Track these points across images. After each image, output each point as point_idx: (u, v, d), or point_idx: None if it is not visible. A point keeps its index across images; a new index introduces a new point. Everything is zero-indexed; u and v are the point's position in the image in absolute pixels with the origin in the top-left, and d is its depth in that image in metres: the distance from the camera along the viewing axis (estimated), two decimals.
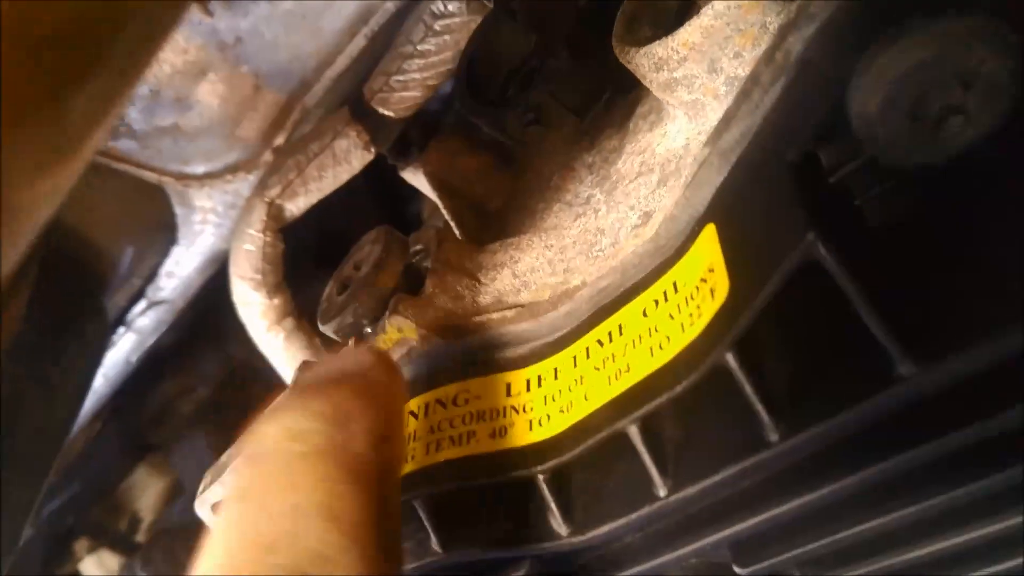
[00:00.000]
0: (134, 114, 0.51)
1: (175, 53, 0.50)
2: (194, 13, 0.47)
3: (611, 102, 0.40)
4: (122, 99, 0.24)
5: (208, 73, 0.50)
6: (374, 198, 0.68)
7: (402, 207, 0.70)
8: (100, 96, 0.22)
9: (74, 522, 0.87)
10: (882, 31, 0.24)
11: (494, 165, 0.49)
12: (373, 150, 0.48)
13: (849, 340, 0.24)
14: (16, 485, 0.56)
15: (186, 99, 0.51)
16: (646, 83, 0.36)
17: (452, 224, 0.47)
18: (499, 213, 0.49)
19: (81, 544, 0.87)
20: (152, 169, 0.54)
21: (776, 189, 0.26)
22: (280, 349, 0.56)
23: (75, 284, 0.55)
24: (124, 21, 0.21)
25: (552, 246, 0.40)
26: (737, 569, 0.32)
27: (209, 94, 0.51)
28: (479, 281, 0.40)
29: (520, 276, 0.40)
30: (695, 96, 0.35)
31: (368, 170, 0.50)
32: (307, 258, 0.67)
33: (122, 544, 0.87)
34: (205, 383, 0.83)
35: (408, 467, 0.34)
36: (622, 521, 0.29)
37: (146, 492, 0.90)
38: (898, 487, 0.28)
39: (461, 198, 0.48)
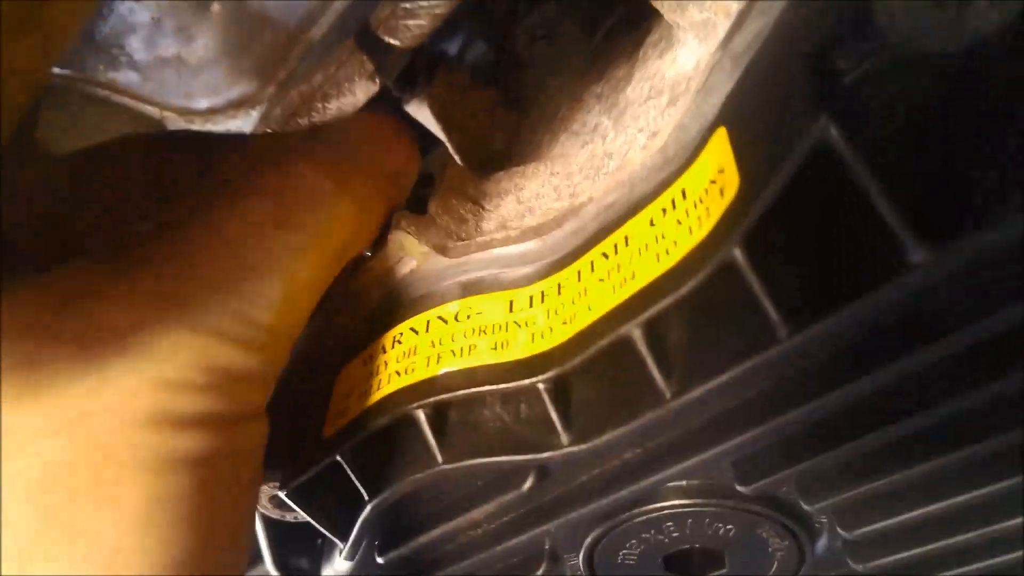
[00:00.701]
0: (135, 43, 0.51)
1: None
2: None
3: (621, 23, 0.39)
4: None
5: (212, 3, 0.49)
6: None
7: None
8: None
9: None
10: None
11: (501, 101, 0.48)
12: (378, 81, 0.47)
13: (861, 229, 0.24)
14: None
15: (189, 29, 0.50)
16: (656, 4, 0.35)
17: (457, 158, 0.46)
18: (504, 151, 0.48)
19: None
20: (154, 103, 0.53)
21: (789, 82, 0.26)
22: None
23: None
24: None
25: (558, 173, 0.40)
26: (739, 487, 0.31)
27: (213, 24, 0.50)
28: (483, 207, 0.40)
29: (525, 202, 0.39)
30: (706, 15, 0.34)
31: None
32: None
33: None
34: None
35: (407, 379, 0.33)
36: (623, 428, 0.28)
37: None
38: (906, 396, 0.27)
39: (467, 133, 0.47)
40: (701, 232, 0.28)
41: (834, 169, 0.23)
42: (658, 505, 0.33)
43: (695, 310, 0.28)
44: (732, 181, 0.27)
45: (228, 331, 0.28)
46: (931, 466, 0.29)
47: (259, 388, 0.31)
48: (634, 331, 0.28)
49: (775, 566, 0.37)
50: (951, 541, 0.32)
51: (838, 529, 0.34)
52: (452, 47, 0.47)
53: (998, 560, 0.33)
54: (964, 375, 0.26)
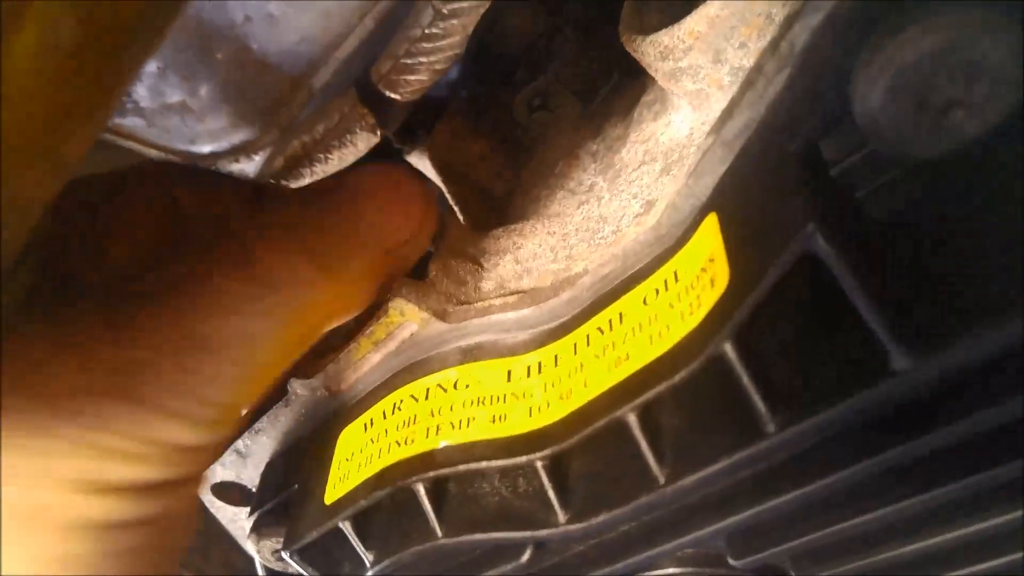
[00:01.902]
0: (141, 91, 0.51)
1: (187, 30, 0.49)
2: None
3: (617, 89, 0.39)
4: (134, 74, 0.23)
5: (217, 51, 0.50)
6: None
7: None
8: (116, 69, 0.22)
9: None
10: (887, 20, 0.24)
11: (499, 150, 0.48)
12: (379, 133, 0.48)
13: (846, 332, 0.24)
14: None
15: (193, 77, 0.51)
16: (651, 72, 0.36)
17: (455, 209, 0.47)
18: (503, 199, 0.48)
19: None
20: (158, 147, 0.54)
21: (778, 179, 0.26)
22: None
23: None
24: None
25: (555, 233, 0.40)
26: (732, 561, 0.32)
27: (217, 72, 0.51)
28: (481, 266, 0.40)
29: (522, 262, 0.40)
30: (699, 86, 0.35)
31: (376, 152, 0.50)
32: None
33: None
34: None
35: (407, 451, 0.34)
36: (619, 511, 0.29)
37: None
38: (895, 480, 0.28)
39: (465, 183, 0.48)
40: (692, 320, 0.28)
41: (821, 273, 0.24)
42: (653, 574, 0.33)
43: (688, 398, 0.28)
44: (722, 274, 0.27)
45: (177, 408, 0.28)
46: (922, 546, 0.29)
47: (203, 459, 0.31)
48: (629, 415, 0.29)
49: None
50: None
51: None
52: (452, 99, 0.48)
53: None
54: (948, 466, 0.26)
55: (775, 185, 0.26)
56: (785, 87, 0.27)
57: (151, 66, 0.51)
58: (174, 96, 0.53)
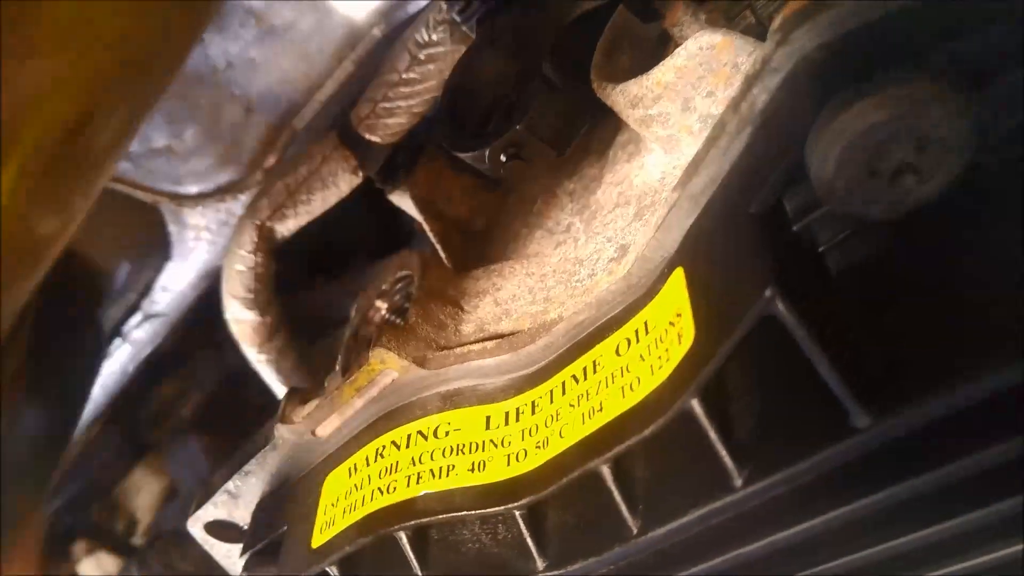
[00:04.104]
0: None
1: None
2: None
3: (592, 128, 0.40)
4: (139, 125, 0.24)
5: (199, 98, 0.51)
6: (368, 207, 0.69)
7: (397, 215, 0.71)
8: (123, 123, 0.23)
9: (73, 523, 0.89)
10: (841, 89, 0.24)
11: (479, 186, 0.49)
12: (361, 174, 0.49)
13: (808, 391, 0.25)
14: (15, 496, 0.57)
15: (179, 121, 0.52)
16: (623, 117, 0.37)
17: (437, 246, 0.48)
18: (483, 234, 0.49)
19: (80, 546, 0.89)
20: (146, 189, 0.55)
21: (739, 240, 0.27)
22: (272, 365, 0.57)
23: (72, 300, 0.56)
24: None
25: (533, 274, 0.41)
26: None
27: (200, 117, 0.52)
28: (462, 309, 0.41)
29: (502, 304, 0.40)
30: (670, 132, 0.36)
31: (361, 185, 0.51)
32: (300, 265, 0.68)
33: (120, 546, 0.89)
34: (200, 388, 0.84)
35: (389, 499, 0.35)
36: (594, 559, 0.30)
37: (142, 493, 0.91)
38: (863, 527, 0.29)
39: (446, 220, 0.49)
40: (662, 374, 0.29)
41: (782, 334, 0.24)
42: None
43: (659, 450, 0.29)
44: (688, 331, 0.28)
45: None
46: None
47: None
48: (602, 467, 0.29)
49: None
50: None
51: None
52: (432, 139, 0.49)
53: None
54: (918, 514, 0.27)
55: (737, 244, 0.27)
56: (747, 146, 0.28)
57: None
58: (160, 140, 0.54)
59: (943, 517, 0.26)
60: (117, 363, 0.68)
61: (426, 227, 0.48)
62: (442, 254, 0.47)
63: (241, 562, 0.44)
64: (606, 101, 0.37)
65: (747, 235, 0.27)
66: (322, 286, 0.72)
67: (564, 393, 0.33)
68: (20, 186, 0.19)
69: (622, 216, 0.38)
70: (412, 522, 0.33)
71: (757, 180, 0.28)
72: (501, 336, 0.38)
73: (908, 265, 0.26)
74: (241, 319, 0.55)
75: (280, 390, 0.59)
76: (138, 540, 0.91)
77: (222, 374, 0.82)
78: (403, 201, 0.49)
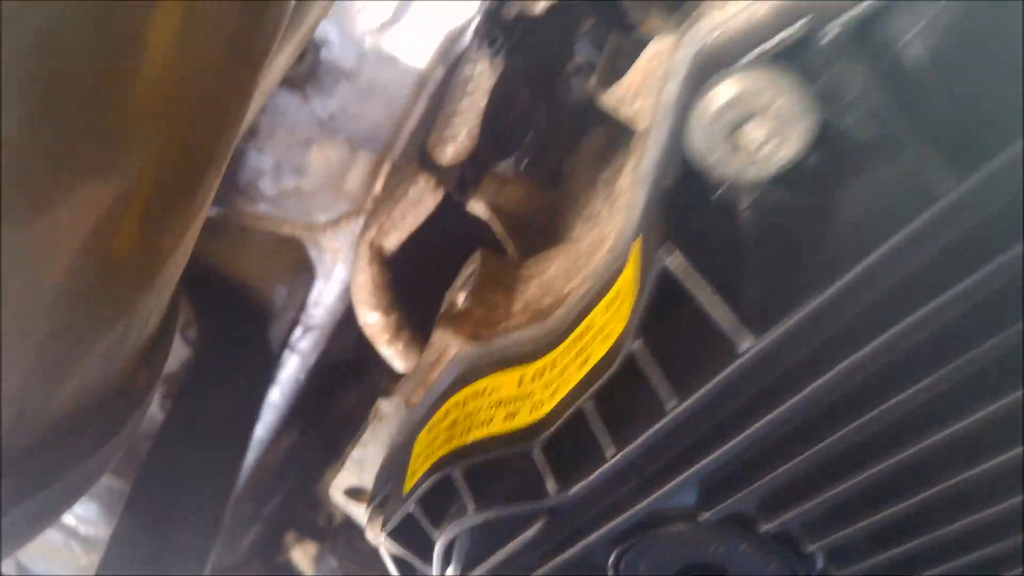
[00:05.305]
0: (266, 183, 0.65)
1: (288, 132, 0.63)
2: (294, 100, 0.60)
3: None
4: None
5: (313, 144, 0.63)
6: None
7: None
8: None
9: (284, 518, 1.05)
10: (703, 80, 0.30)
11: (537, 188, 0.57)
12: (441, 191, 0.58)
13: (705, 326, 0.31)
14: (201, 500, 0.71)
15: (301, 166, 0.64)
16: (615, 117, 0.43)
17: (509, 241, 0.56)
18: (545, 227, 0.57)
19: (290, 536, 1.05)
20: (285, 223, 0.68)
21: (659, 210, 0.34)
22: (401, 359, 0.68)
23: (241, 321, 0.70)
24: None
25: (571, 256, 0.48)
26: (703, 515, 0.39)
27: (317, 160, 0.64)
28: (513, 292, 0.49)
29: (545, 284, 0.48)
30: (649, 125, 0.42)
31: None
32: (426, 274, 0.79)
33: (321, 536, 1.04)
34: (376, 394, 0.98)
35: (449, 446, 0.43)
36: (587, 480, 0.37)
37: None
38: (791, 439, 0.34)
39: (512, 219, 0.57)
40: (622, 324, 0.36)
41: (679, 286, 0.31)
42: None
43: (621, 385, 0.35)
44: (635, 287, 0.35)
45: None
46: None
47: None
48: (587, 404, 0.37)
49: None
50: None
51: None
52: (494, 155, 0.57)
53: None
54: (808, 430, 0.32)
55: (658, 214, 0.33)
56: (665, 132, 0.34)
57: (268, 162, 0.65)
58: (289, 183, 0.66)
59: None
60: (291, 371, 0.82)
61: (494, 227, 0.56)
62: (509, 249, 0.56)
63: (365, 517, 0.54)
64: (603, 108, 0.44)
65: (662, 206, 0.33)
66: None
67: (569, 352, 0.40)
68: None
69: (631, 195, 0.45)
70: (463, 462, 0.42)
71: (668, 163, 0.34)
72: (542, 312, 0.46)
73: (768, 229, 0.31)
74: (370, 322, 0.66)
75: None
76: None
77: (393, 381, 0.95)
78: (477, 208, 0.58)
